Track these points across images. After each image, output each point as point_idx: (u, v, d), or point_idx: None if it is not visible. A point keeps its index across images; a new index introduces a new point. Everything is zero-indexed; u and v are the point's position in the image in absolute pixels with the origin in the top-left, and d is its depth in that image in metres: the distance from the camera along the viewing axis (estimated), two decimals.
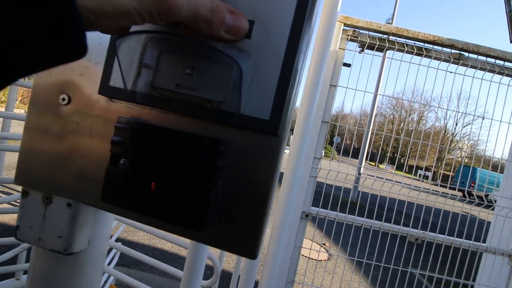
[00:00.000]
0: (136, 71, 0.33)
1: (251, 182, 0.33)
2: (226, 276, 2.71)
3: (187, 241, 1.34)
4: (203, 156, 0.31)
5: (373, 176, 1.92)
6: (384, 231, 1.79)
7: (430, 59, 1.69)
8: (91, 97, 0.37)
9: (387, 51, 1.88)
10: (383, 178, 1.86)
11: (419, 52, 1.71)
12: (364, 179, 2.08)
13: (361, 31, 1.85)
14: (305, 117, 1.26)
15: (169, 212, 0.32)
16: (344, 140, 2.35)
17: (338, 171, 1.83)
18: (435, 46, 1.69)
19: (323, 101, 1.80)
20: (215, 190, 0.32)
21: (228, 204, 0.33)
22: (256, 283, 1.34)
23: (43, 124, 0.38)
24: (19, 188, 0.41)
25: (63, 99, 0.37)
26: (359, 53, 1.93)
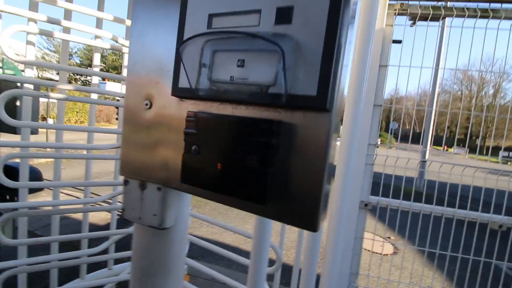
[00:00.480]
0: (197, 71, 0.40)
1: (305, 158, 0.36)
2: (286, 268, 2.77)
3: (249, 232, 1.43)
4: (258, 137, 0.36)
5: (440, 162, 1.73)
6: (460, 219, 1.60)
7: (499, 20, 1.46)
8: (166, 99, 0.45)
9: (445, 19, 1.69)
10: (452, 164, 1.66)
11: (484, 14, 1.49)
12: (430, 163, 1.89)
13: (410, 2, 1.70)
14: (354, 102, 1.22)
15: (234, 188, 0.37)
16: (401, 125, 2.14)
17: (397, 157, 1.71)
18: (504, 4, 1.45)
19: (373, 83, 1.71)
20: (272, 167, 0.36)
21: (285, 179, 0.37)
22: (318, 278, 1.35)
23: (134, 126, 0.49)
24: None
25: (146, 104, 0.47)
26: (411, 26, 1.77)
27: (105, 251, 1.67)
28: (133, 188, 0.50)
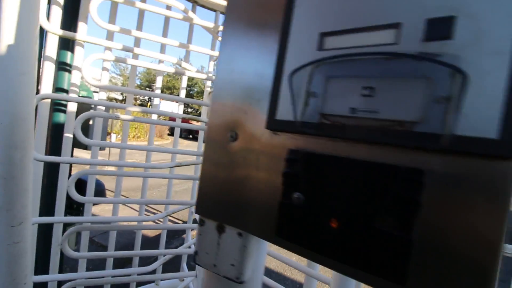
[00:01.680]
0: (304, 101, 0.33)
1: (467, 224, 0.25)
2: None
3: (301, 261, 1.29)
4: (399, 190, 0.26)
5: None
6: None
7: None
8: (256, 131, 0.39)
9: None
10: None
11: None
12: None
13: None
14: None
15: (356, 256, 0.28)
16: None
17: None
18: None
19: None
20: (415, 233, 0.26)
21: (435, 252, 0.26)
22: None
23: (216, 159, 0.43)
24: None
25: (231, 136, 0.41)
26: None
27: (155, 267, 1.68)
28: (210, 230, 0.44)
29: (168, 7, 1.52)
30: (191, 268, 1.96)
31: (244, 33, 0.41)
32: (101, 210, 4.19)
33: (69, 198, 1.34)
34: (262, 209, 0.38)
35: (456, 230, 0.25)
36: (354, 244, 0.28)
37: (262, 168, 0.38)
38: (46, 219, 1.30)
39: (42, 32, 1.36)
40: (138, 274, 1.57)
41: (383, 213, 0.26)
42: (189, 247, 1.73)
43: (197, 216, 0.54)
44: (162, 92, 1.71)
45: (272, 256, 1.30)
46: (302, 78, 0.33)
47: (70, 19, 1.49)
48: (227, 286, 0.44)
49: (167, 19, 1.64)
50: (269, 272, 3.30)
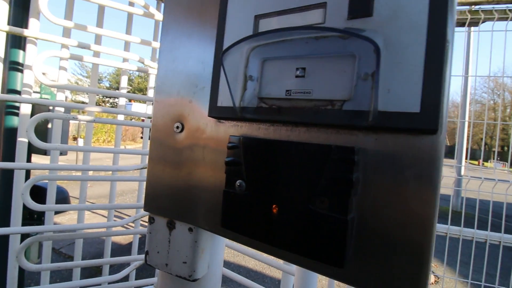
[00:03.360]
0: (242, 86, 0.32)
1: (401, 201, 0.25)
2: None
3: (278, 260, 1.30)
4: (332, 170, 0.26)
5: (480, 178, 1.51)
6: (507, 246, 1.36)
7: None
8: (201, 120, 0.37)
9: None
10: (495, 180, 1.45)
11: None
12: (467, 181, 1.67)
13: None
14: None
15: (297, 241, 0.27)
16: None
17: None
18: None
19: None
20: (351, 213, 0.26)
21: (371, 232, 0.26)
22: None
23: (163, 154, 0.41)
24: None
25: (177, 127, 0.39)
26: None
27: (125, 275, 1.60)
28: (160, 227, 0.41)
29: (131, 4, 1.46)
30: None
31: (184, 20, 0.39)
32: (68, 220, 3.94)
33: (29, 208, 1.25)
34: (210, 201, 0.36)
35: (390, 208, 0.25)
36: (293, 229, 0.27)
37: (208, 159, 0.37)
38: None
39: None
40: (109, 283, 1.49)
41: (319, 195, 0.26)
42: None
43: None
44: (134, 94, 1.64)
45: (248, 255, 1.29)
46: (239, 62, 0.32)
47: (21, 15, 1.38)
48: (182, 286, 0.42)
49: (130, 15, 1.57)
50: (247, 271, 3.29)
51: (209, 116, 0.35)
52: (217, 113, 0.34)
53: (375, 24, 0.25)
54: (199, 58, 0.38)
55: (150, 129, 0.43)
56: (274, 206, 0.28)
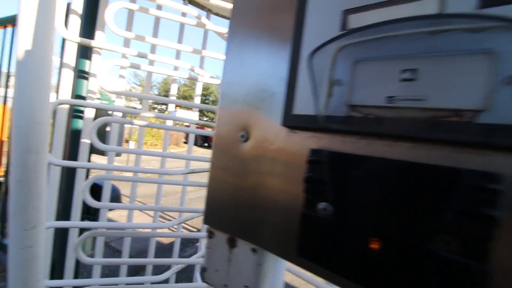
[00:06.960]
0: (327, 92, 0.27)
1: None
2: None
3: (318, 278, 1.21)
4: (462, 201, 0.20)
5: None
6: None
7: None
8: (271, 130, 0.34)
9: None
10: None
11: None
12: None
13: None
14: None
15: None
16: None
17: None
18: None
19: None
20: (491, 261, 0.19)
21: None
22: None
23: (226, 163, 0.38)
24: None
25: (242, 136, 0.36)
26: None
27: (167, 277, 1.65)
28: (219, 243, 0.38)
29: (183, 14, 1.53)
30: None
31: (254, 21, 0.36)
32: (118, 216, 4.25)
33: (86, 203, 1.35)
34: (280, 222, 0.32)
35: None
36: (403, 273, 0.21)
37: (278, 173, 0.33)
38: (59, 224, 1.30)
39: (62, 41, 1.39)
40: (151, 283, 1.54)
41: (443, 232, 0.20)
42: (202, 257, 1.69)
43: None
44: (182, 100, 1.71)
45: (286, 269, 1.22)
46: (323, 64, 0.27)
47: (89, 28, 1.53)
48: None
49: (182, 26, 1.64)
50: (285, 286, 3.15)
51: (283, 125, 0.31)
52: (293, 122, 0.30)
53: None
54: (269, 62, 0.34)
55: (208, 137, 0.41)
56: (373, 239, 0.22)
